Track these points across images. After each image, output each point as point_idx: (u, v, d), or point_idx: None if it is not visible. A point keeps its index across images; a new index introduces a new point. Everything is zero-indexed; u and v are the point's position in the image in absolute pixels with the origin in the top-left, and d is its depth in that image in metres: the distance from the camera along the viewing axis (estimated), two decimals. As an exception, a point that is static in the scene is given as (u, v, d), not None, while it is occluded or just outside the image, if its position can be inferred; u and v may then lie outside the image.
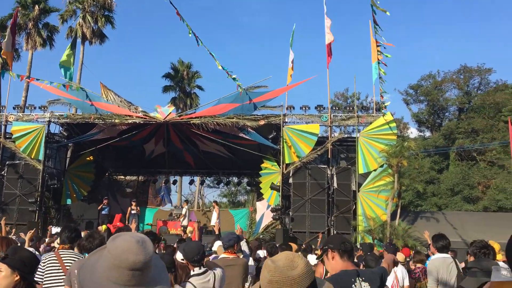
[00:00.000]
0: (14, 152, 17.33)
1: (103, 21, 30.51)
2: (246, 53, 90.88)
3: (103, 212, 18.28)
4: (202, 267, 4.18)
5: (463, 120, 33.79)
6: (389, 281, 6.56)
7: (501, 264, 3.96)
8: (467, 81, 35.45)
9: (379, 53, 14.36)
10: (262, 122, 16.15)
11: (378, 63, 15.12)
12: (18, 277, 2.81)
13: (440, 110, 36.87)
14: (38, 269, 4.52)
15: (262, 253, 7.88)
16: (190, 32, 12.80)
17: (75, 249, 4.85)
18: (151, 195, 26.63)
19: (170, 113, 16.83)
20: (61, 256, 4.59)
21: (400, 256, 7.63)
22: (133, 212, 18.13)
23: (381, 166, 15.64)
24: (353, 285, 2.75)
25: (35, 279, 4.57)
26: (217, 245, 6.21)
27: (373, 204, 15.58)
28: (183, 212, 18.32)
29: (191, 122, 16.43)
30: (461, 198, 28.22)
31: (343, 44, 78.52)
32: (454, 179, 29.19)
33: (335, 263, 2.93)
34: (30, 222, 16.05)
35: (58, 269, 4.54)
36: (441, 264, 5.30)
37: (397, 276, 6.79)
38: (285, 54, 17.87)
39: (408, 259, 8.31)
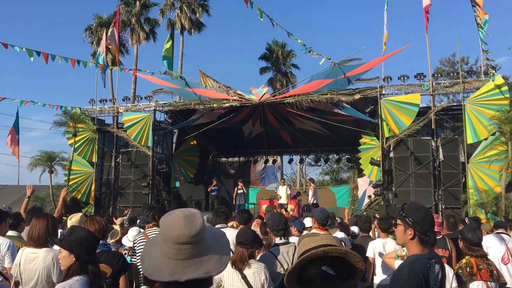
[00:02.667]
0: (126, 140, 18.81)
1: (200, 10, 31.66)
2: (339, 26, 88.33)
3: (213, 193, 19.19)
4: (283, 238, 4.27)
5: None
6: (499, 253, 6.05)
7: None
8: None
9: (476, 15, 13.04)
10: (357, 96, 15.67)
11: (478, 25, 13.75)
12: (74, 257, 2.82)
13: None
14: (133, 250, 4.91)
15: (356, 229, 7.72)
16: (261, 16, 12.52)
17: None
18: (253, 175, 27.34)
19: (265, 93, 17.02)
20: (148, 234, 4.91)
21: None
22: (239, 191, 18.82)
23: (493, 134, 14.38)
24: (429, 270, 2.62)
25: (133, 260, 4.97)
26: (309, 220, 6.18)
27: (485, 176, 14.43)
28: (280, 191, 18.58)
29: (285, 101, 16.47)
30: None
31: (447, 4, 72.68)
32: None
33: (412, 245, 2.73)
34: (144, 204, 17.35)
35: None
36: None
37: (509, 248, 6.23)
38: (379, 23, 17.06)
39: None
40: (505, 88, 14.57)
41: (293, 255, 4.11)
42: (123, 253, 5.27)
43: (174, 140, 20.58)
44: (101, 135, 19.57)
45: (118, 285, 4.04)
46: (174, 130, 20.05)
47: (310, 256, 1.82)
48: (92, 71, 19.16)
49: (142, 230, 6.00)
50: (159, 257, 1.53)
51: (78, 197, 18.66)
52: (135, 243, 4.88)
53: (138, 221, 9.81)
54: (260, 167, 26.64)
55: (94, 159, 19.15)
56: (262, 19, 12.33)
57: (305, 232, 6.52)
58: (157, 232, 4.91)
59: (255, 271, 3.66)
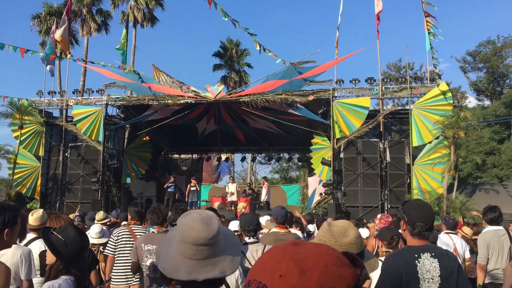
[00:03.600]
0: (75, 134, 18.24)
1: (153, 3, 31.09)
2: (294, 28, 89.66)
3: (169, 190, 19.01)
4: (253, 237, 4.43)
5: (526, 87, 31.96)
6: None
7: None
8: (530, 45, 33.34)
9: (428, 23, 13.77)
10: (311, 98, 16.07)
11: (428, 33, 14.50)
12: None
13: (500, 77, 35.00)
14: (110, 242, 4.93)
15: (312, 227, 8.00)
16: (225, 16, 12.78)
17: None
18: (205, 172, 27.35)
19: (220, 91, 17.09)
20: (134, 231, 4.95)
21: (467, 230, 7.50)
22: (192, 189, 18.84)
23: (437, 138, 15.21)
24: (417, 261, 2.69)
25: (106, 251, 5.00)
26: (265, 219, 6.36)
27: (429, 177, 15.24)
28: (230, 189, 18.76)
29: (241, 100, 16.62)
30: (524, 169, 26.92)
31: (396, 12, 75.59)
32: (516, 150, 27.83)
33: (407, 237, 2.89)
34: (94, 200, 17.00)
35: (132, 243, 4.93)
36: (492, 237, 5.23)
37: (457, 248, 6.72)
38: (334, 29, 17.58)
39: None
40: (449, 94, 15.46)
41: (262, 254, 4.27)
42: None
43: (126, 136, 20.16)
44: (48, 128, 18.87)
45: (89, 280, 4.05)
46: (126, 125, 19.67)
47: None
48: (40, 61, 18.38)
49: (104, 228, 5.98)
50: (176, 256, 1.62)
51: (23, 192, 17.93)
52: (118, 237, 4.94)
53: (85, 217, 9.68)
54: (215, 162, 26.74)
55: (41, 153, 18.46)
56: (226, 19, 12.47)
57: (265, 231, 6.68)
58: (142, 232, 4.99)
59: None
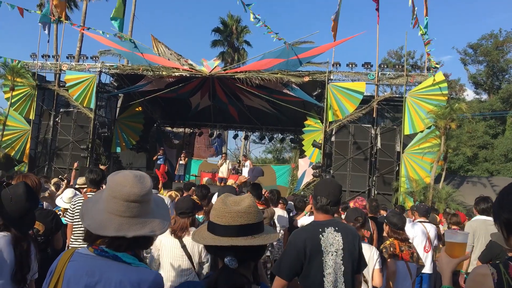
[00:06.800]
0: (67, 100, 18.05)
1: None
2: (294, 8, 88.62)
3: (158, 162, 18.96)
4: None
5: (524, 83, 31.85)
6: (422, 242, 6.54)
7: None
8: (532, 41, 33.13)
9: (415, 16, 13.58)
10: (306, 79, 15.92)
11: (419, 24, 14.31)
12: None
13: (499, 72, 34.83)
14: (69, 210, 4.88)
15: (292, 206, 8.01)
16: None
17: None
18: (200, 146, 27.24)
19: (216, 66, 16.90)
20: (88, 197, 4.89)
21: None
22: (180, 162, 18.85)
23: (429, 127, 15.15)
24: (321, 235, 2.81)
25: (66, 219, 4.94)
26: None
27: (417, 166, 15.24)
28: (220, 165, 18.78)
29: (236, 76, 16.45)
30: (515, 165, 27.03)
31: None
32: (509, 145, 27.88)
33: (315, 214, 3.04)
34: (82, 167, 16.91)
35: None
36: (479, 225, 5.24)
37: (430, 237, 6.76)
38: (333, 8, 17.20)
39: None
40: (445, 85, 15.34)
41: None
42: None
43: (119, 105, 19.97)
44: (40, 92, 18.69)
45: (50, 243, 4.01)
46: (119, 94, 19.48)
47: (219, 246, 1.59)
48: (35, 23, 18.09)
49: (77, 192, 5.93)
50: (104, 214, 1.57)
51: (12, 154, 17.85)
52: (74, 205, 4.84)
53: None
54: (208, 138, 26.63)
55: (32, 116, 18.31)
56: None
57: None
58: None
59: None
